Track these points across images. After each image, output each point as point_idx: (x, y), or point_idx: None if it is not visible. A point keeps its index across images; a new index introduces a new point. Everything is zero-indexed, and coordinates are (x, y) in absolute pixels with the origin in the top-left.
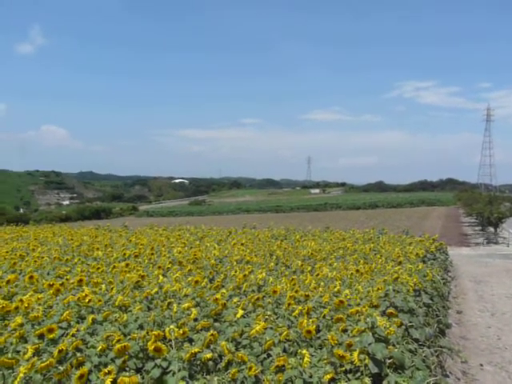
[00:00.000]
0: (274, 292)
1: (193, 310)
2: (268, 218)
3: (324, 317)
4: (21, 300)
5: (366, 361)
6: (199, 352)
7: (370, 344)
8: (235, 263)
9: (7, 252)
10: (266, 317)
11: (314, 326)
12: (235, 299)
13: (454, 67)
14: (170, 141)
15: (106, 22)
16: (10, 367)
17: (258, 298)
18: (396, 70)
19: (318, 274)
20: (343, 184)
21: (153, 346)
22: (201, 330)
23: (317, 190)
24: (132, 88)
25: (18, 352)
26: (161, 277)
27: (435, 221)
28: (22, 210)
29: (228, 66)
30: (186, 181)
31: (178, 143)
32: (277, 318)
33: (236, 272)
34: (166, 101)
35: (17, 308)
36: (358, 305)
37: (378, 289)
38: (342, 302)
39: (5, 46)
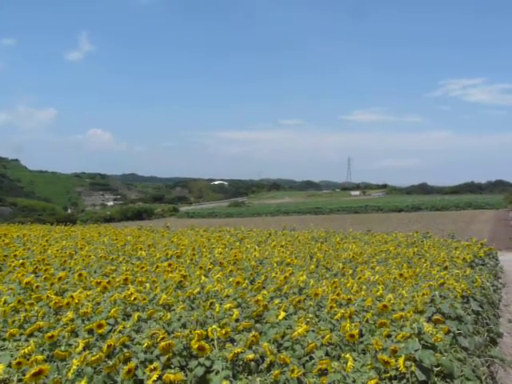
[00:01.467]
0: (316, 294)
1: (234, 310)
2: (307, 220)
3: (367, 321)
4: (71, 296)
5: (413, 368)
6: (241, 352)
7: (416, 350)
8: (275, 265)
9: (58, 250)
10: (308, 319)
11: (357, 330)
12: (276, 301)
13: (504, 64)
14: (210, 143)
15: (148, 25)
16: (63, 359)
17: (299, 301)
18: (439, 69)
19: (359, 278)
20: (384, 186)
21: (196, 345)
22: (242, 330)
23: (357, 192)
24: (173, 90)
25: (70, 345)
26: (203, 277)
27: (483, 224)
28: (69, 211)
29: (268, 66)
30: (225, 182)
31: (218, 145)
32: (318, 321)
33: (276, 274)
34: (206, 102)
35: (68, 304)
36: (402, 310)
37: (423, 294)
38: (385, 306)
39: (55, 53)
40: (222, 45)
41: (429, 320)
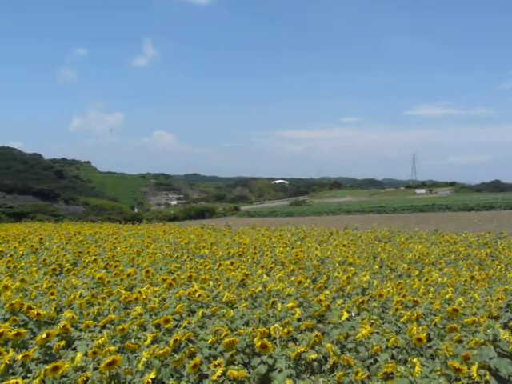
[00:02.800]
0: (380, 296)
1: (296, 309)
2: (370, 219)
3: (435, 325)
4: (139, 292)
5: (487, 377)
6: (304, 352)
7: (491, 358)
8: (337, 265)
9: (126, 248)
10: (372, 321)
11: (425, 334)
12: (339, 301)
13: None
14: (270, 142)
15: (207, 26)
16: (133, 351)
17: (362, 301)
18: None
19: (426, 279)
20: (452, 183)
21: (259, 343)
22: (304, 330)
23: (422, 190)
24: (234, 90)
25: (139, 338)
26: (264, 276)
27: None
28: (136, 210)
29: (326, 64)
30: (285, 181)
31: (278, 144)
32: (383, 323)
33: (339, 274)
34: (265, 102)
35: (136, 299)
36: (475, 315)
37: (498, 298)
38: (455, 310)
39: (122, 60)
40: (281, 43)
41: (505, 326)
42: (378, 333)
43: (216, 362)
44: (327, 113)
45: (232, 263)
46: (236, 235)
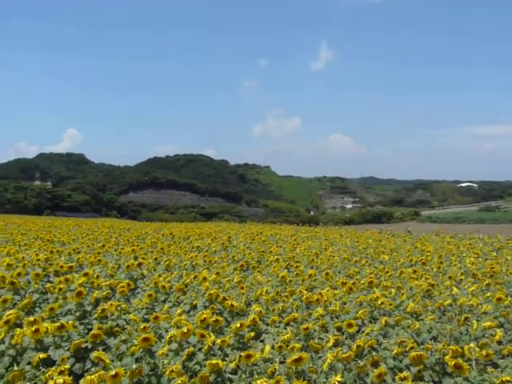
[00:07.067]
0: None
1: (497, 330)
2: None
3: None
4: (320, 293)
5: None
6: (509, 382)
7: None
8: None
9: (305, 249)
10: None
11: None
12: None
13: None
14: (456, 140)
15: (378, 21)
16: (316, 351)
17: None
18: None
19: None
20: None
21: (453, 362)
22: (507, 355)
23: None
24: (419, 82)
25: (321, 339)
26: (454, 288)
27: None
28: (312, 213)
29: None
30: (474, 184)
31: (466, 142)
32: None
33: None
34: (452, 95)
35: (317, 300)
36: None
37: None
38: None
39: (300, 66)
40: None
41: None
42: None
43: (402, 375)
44: None
45: (415, 271)
46: (418, 242)
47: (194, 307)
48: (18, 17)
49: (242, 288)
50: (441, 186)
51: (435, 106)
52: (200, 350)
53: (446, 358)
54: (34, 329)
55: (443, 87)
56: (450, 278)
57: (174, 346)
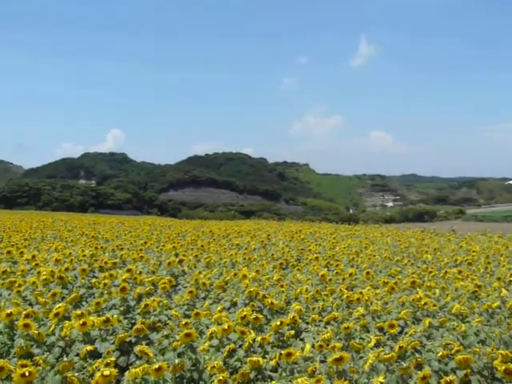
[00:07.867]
0: None
1: None
2: None
3: None
4: (361, 292)
5: None
6: None
7: None
8: None
9: (344, 247)
10: None
11: None
12: None
13: None
14: (504, 136)
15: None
16: (357, 351)
17: None
18: None
19: None
20: None
21: (503, 367)
22: None
23: None
24: (457, 81)
25: (362, 339)
26: (503, 290)
27: None
28: (351, 211)
29: None
30: None
31: None
32: None
33: None
34: (496, 89)
35: (358, 299)
36: None
37: None
38: None
39: (341, 63)
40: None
41: None
42: None
43: (448, 379)
44: None
45: (460, 272)
46: (463, 241)
47: (234, 304)
48: (66, 27)
49: (282, 286)
50: (487, 183)
51: (479, 103)
52: (240, 346)
53: (495, 362)
54: (81, 322)
55: (488, 83)
56: (499, 279)
57: (215, 342)
